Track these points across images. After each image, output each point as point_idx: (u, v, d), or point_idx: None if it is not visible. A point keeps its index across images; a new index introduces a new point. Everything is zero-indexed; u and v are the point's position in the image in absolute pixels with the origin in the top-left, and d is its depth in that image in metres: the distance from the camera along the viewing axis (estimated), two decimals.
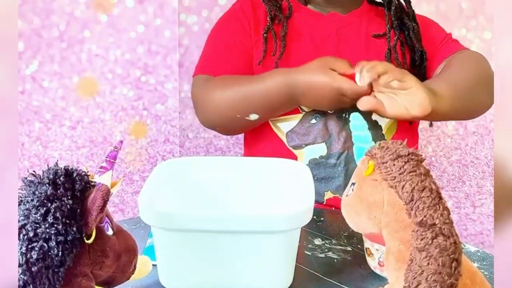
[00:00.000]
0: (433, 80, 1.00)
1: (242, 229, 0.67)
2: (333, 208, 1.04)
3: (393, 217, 0.58)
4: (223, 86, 1.02)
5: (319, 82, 0.92)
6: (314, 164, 1.03)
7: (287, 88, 0.95)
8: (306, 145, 1.04)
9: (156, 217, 0.67)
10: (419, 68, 1.08)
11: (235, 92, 1.01)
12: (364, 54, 1.06)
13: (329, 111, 1.01)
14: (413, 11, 1.09)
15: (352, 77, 0.91)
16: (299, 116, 1.03)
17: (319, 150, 1.03)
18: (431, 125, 1.17)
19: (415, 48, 1.07)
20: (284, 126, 1.05)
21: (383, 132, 1.04)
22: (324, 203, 1.05)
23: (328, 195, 1.04)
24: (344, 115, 1.02)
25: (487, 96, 1.04)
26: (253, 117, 1.00)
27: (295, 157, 1.05)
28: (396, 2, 1.08)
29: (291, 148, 1.05)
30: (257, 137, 1.11)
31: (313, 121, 1.03)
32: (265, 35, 1.06)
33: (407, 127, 1.07)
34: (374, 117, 1.03)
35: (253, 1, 1.11)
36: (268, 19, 1.07)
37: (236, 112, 1.00)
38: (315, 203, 1.04)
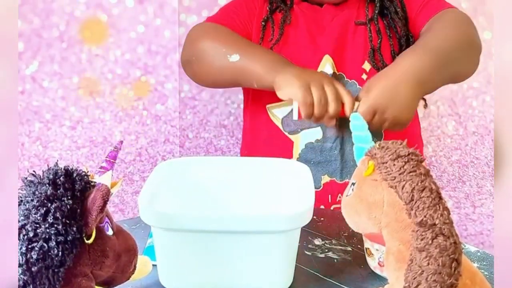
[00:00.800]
0: (416, 55, 0.94)
1: (242, 229, 0.67)
2: (330, 196, 1.05)
3: (393, 217, 0.58)
4: (225, 33, 1.03)
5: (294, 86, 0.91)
6: (310, 148, 1.05)
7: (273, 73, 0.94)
8: (301, 129, 1.05)
9: (156, 217, 0.67)
10: None
11: (232, 41, 1.00)
12: (353, 42, 1.06)
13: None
14: None
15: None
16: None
17: (314, 134, 1.05)
18: (425, 106, 1.17)
19: (400, 31, 1.06)
20: (280, 112, 1.07)
21: None
22: (321, 188, 1.05)
23: (325, 179, 1.05)
24: None
25: (471, 59, 1.02)
26: (234, 57, 0.96)
27: (291, 143, 1.06)
28: None
29: (287, 134, 1.07)
30: (254, 125, 1.13)
31: None
32: (263, 23, 1.08)
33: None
34: None
35: None
36: (267, 8, 1.08)
37: (223, 48, 0.98)
38: None
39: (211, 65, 1.01)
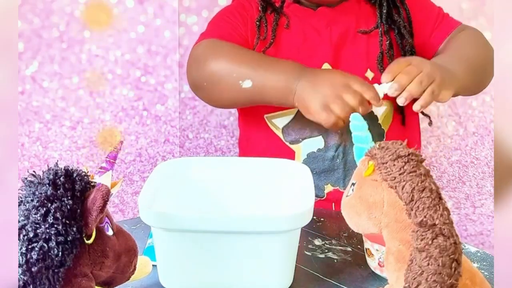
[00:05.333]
0: (446, 60, 0.98)
1: (242, 230, 0.67)
2: (333, 204, 1.04)
3: (393, 217, 0.58)
4: (233, 52, 0.98)
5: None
6: (312, 158, 1.04)
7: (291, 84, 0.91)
8: (303, 139, 1.04)
9: (156, 218, 0.67)
10: None
11: (242, 60, 0.96)
12: (353, 49, 1.05)
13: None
14: (406, 9, 1.07)
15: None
16: (294, 110, 1.03)
17: (316, 143, 1.04)
18: (430, 124, 1.17)
19: (406, 47, 1.06)
20: (280, 122, 1.05)
21: (379, 122, 1.04)
22: (325, 197, 1.05)
23: (328, 188, 1.05)
24: None
25: (490, 70, 1.05)
26: (247, 84, 0.92)
27: (292, 152, 1.05)
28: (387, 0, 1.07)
29: (288, 144, 1.05)
30: (253, 135, 1.11)
31: None
32: (257, 23, 1.05)
33: (400, 117, 1.08)
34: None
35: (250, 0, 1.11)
36: (259, 9, 1.06)
37: (234, 72, 0.94)
38: (315, 198, 1.04)
39: (224, 91, 0.97)
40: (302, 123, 1.03)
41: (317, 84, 0.90)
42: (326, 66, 1.04)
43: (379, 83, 0.94)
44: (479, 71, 1.03)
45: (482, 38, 1.08)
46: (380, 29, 1.05)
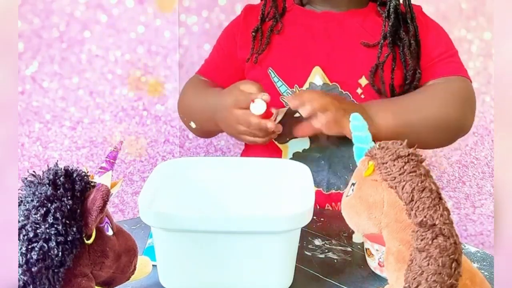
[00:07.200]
0: (379, 107, 0.98)
1: (242, 230, 0.67)
2: (317, 206, 1.03)
3: (393, 217, 0.58)
4: (192, 92, 1.12)
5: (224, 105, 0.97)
6: (297, 158, 1.04)
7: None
8: (290, 139, 1.05)
9: (156, 218, 0.67)
10: (410, 86, 1.04)
11: (191, 100, 1.11)
12: (351, 55, 1.04)
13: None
14: (415, 27, 1.04)
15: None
16: (284, 110, 1.03)
17: (302, 143, 1.04)
18: None
19: (408, 66, 1.02)
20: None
21: None
22: None
23: None
24: None
25: (438, 140, 1.05)
26: (192, 124, 1.10)
27: (280, 151, 1.06)
28: (395, 12, 1.03)
29: (276, 143, 1.06)
30: None
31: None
32: (253, 33, 1.07)
33: None
34: None
35: (253, 6, 1.11)
36: (259, 18, 1.08)
37: (185, 116, 1.13)
38: None
39: (195, 131, 1.14)
40: (290, 123, 1.02)
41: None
42: (317, 69, 1.03)
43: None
44: (433, 131, 0.99)
45: (459, 99, 1.02)
46: (381, 42, 1.03)
